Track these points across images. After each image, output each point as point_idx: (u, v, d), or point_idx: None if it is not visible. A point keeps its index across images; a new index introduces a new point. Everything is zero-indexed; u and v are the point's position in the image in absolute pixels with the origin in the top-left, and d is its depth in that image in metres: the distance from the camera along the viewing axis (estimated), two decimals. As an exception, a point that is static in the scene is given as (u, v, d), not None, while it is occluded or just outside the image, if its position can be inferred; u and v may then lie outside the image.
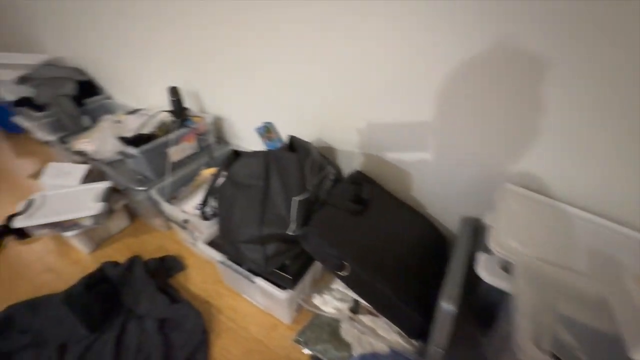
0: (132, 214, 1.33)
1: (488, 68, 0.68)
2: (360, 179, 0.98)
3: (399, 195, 0.99)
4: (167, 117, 1.25)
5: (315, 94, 1.00)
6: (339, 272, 0.71)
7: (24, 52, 1.94)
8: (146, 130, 1.18)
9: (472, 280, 0.67)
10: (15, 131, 1.97)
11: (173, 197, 1.14)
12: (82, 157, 1.28)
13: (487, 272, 0.61)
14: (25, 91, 1.71)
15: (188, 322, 0.94)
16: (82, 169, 1.21)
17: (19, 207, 1.09)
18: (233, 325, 0.97)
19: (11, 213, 1.30)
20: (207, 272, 1.12)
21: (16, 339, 0.88)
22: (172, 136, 1.14)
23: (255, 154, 0.86)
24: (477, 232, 0.81)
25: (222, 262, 0.89)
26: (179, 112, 1.26)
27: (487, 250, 0.65)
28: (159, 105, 1.49)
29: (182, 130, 1.19)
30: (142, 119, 1.31)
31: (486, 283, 0.62)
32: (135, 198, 1.23)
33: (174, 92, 1.26)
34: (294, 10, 0.86)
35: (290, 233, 0.78)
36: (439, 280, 0.66)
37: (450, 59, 0.71)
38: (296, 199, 0.75)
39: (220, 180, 1.04)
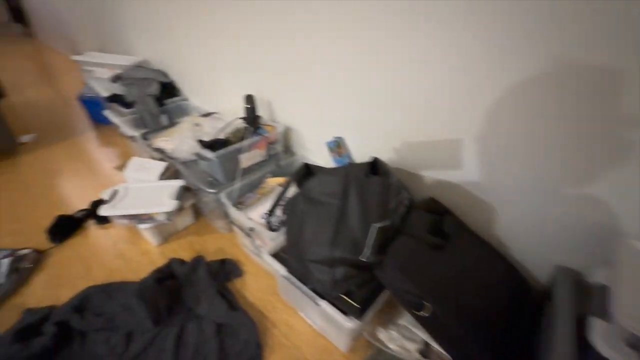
0: (197, 213, 1.39)
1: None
2: (436, 208, 0.92)
3: (478, 230, 0.91)
4: (241, 123, 1.29)
5: (390, 112, 0.96)
6: (416, 312, 0.66)
7: (120, 54, 2.17)
8: (222, 136, 1.22)
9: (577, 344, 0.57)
10: (103, 123, 2.19)
11: (239, 202, 1.17)
12: (161, 154, 1.36)
13: (606, 345, 0.52)
14: (117, 89, 1.89)
15: (243, 331, 0.93)
16: (160, 166, 1.28)
17: (105, 195, 1.19)
18: (286, 342, 0.95)
19: (95, 199, 1.44)
20: (264, 281, 1.12)
21: (92, 320, 0.94)
22: (245, 143, 1.17)
23: (334, 171, 0.84)
24: (578, 288, 0.70)
25: (285, 277, 0.87)
26: (253, 119, 1.29)
27: (603, 317, 0.55)
28: (232, 110, 1.56)
29: (255, 138, 1.21)
30: (219, 124, 1.37)
31: (601, 356, 0.53)
32: (203, 199, 1.28)
33: (250, 99, 1.30)
34: (378, 25, 0.84)
35: (364, 259, 0.74)
36: (525, 334, 0.57)
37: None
38: (376, 225, 0.71)
39: (290, 193, 1.04)
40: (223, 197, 1.12)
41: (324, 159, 1.27)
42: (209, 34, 1.54)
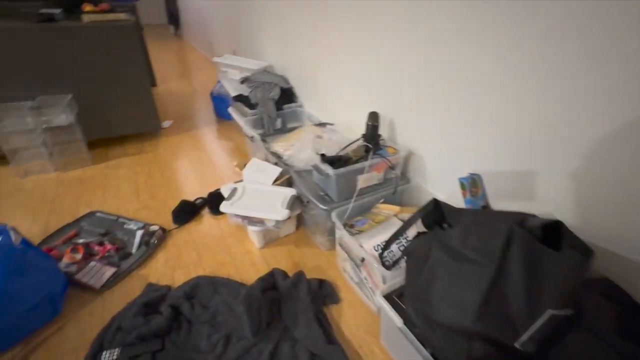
0: (299, 222, 1.38)
1: None
2: (617, 295, 0.69)
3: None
4: (362, 141, 1.22)
5: (552, 154, 0.76)
6: None
7: (251, 58, 2.38)
8: (344, 152, 1.18)
9: None
10: (226, 118, 2.42)
11: (349, 224, 1.10)
12: (277, 158, 1.40)
13: None
14: (244, 90, 2.06)
15: (338, 370, 0.85)
16: (276, 171, 1.31)
17: (224, 191, 1.26)
18: (382, 400, 0.83)
19: (212, 190, 1.56)
20: (363, 316, 1.02)
21: (199, 311, 0.99)
22: (367, 164, 1.10)
23: (483, 219, 0.69)
24: None
25: (401, 331, 0.76)
26: (374, 138, 1.22)
27: None
28: (347, 124, 1.53)
29: (376, 160, 1.13)
30: (335, 136, 1.34)
31: None
32: (310, 211, 1.26)
33: (373, 117, 1.23)
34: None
35: (518, 346, 0.58)
36: None
37: None
38: (552, 312, 0.55)
39: (412, 230, 0.92)
40: (334, 216, 1.07)
41: (447, 194, 1.12)
42: (335, 45, 1.54)
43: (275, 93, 1.94)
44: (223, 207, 1.15)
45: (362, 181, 1.13)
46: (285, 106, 1.96)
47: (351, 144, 1.22)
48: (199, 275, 1.13)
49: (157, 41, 5.37)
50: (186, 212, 1.42)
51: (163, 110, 2.56)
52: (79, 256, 1.16)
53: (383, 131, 1.30)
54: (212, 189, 1.59)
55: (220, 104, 2.41)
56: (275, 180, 1.29)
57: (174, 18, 5.69)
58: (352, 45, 1.41)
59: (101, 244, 1.23)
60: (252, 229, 1.21)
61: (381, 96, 1.32)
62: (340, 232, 1.04)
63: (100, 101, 1.83)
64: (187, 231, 1.36)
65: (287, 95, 2.02)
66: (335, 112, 1.71)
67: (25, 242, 0.94)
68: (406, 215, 1.07)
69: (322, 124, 1.68)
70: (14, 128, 1.57)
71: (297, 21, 1.87)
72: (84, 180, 1.67)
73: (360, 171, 1.11)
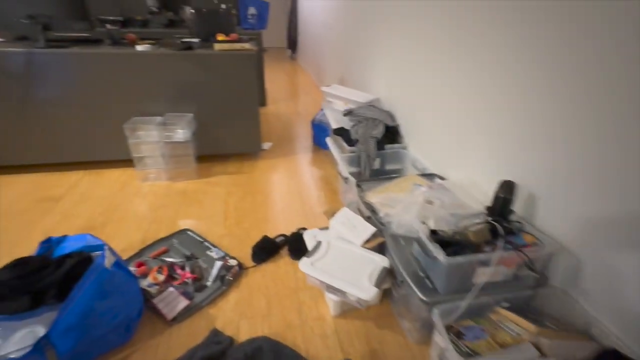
0: (385, 293, 1.15)
1: None
2: None
3: None
4: (486, 218, 0.94)
5: None
6: None
7: (357, 89, 2.29)
8: (461, 230, 0.92)
9: None
10: (323, 148, 2.37)
11: (455, 330, 0.82)
12: (370, 212, 1.21)
13: None
14: (346, 123, 1.96)
15: None
16: (368, 230, 1.12)
17: (307, 240, 1.13)
18: None
19: (296, 229, 1.46)
20: None
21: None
22: (494, 256, 0.82)
23: None
24: None
25: None
26: (504, 217, 0.92)
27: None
28: (464, 183, 1.24)
29: (506, 252, 0.84)
30: (447, 197, 1.08)
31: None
32: (402, 291, 1.02)
33: (508, 189, 0.93)
34: None
35: None
36: None
37: None
38: None
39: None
40: (437, 315, 0.81)
41: (622, 326, 0.74)
42: (455, 86, 1.29)
43: (379, 131, 1.77)
44: (303, 265, 1.01)
45: (484, 276, 0.84)
46: (388, 146, 1.77)
47: (472, 220, 0.94)
48: (264, 335, 1.00)
49: (274, 63, 5.90)
50: (265, 251, 1.34)
51: (266, 131, 2.67)
52: (162, 277, 1.18)
53: (517, 207, 0.99)
54: (296, 226, 1.50)
55: (319, 132, 2.37)
56: (366, 241, 1.10)
57: (292, 43, 6.19)
58: (478, 87, 1.15)
59: (183, 268, 1.23)
60: (329, 295, 1.04)
61: (518, 159, 1.01)
62: (444, 344, 0.77)
63: (213, 120, 1.96)
64: (263, 273, 1.27)
65: (391, 134, 1.84)
66: (447, 164, 1.44)
67: (118, 264, 0.96)
68: (547, 345, 0.74)
69: (429, 176, 1.43)
70: (144, 139, 1.77)
71: (410, 55, 1.69)
72: (186, 193, 1.78)
73: (483, 263, 0.83)
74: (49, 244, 1.03)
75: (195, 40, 1.85)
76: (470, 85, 1.21)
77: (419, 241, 0.95)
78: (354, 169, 1.74)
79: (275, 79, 4.58)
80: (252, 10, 3.06)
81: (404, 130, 1.86)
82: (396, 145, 1.80)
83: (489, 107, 1.13)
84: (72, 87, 1.70)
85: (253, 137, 2.10)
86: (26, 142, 1.80)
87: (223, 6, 3.00)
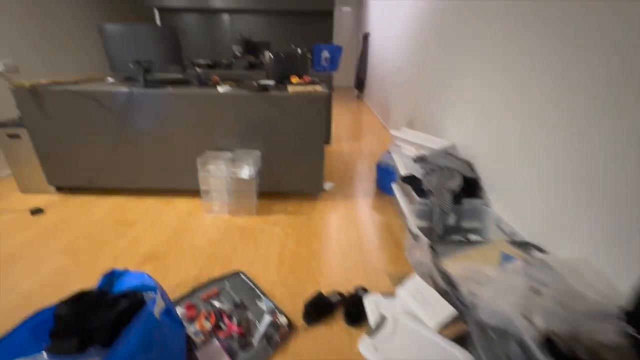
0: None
1: None
2: None
3: None
4: (621, 321, 0.68)
5: None
6: None
7: (428, 133, 2.14)
8: (582, 336, 0.67)
9: None
10: (387, 193, 2.22)
11: None
12: (448, 285, 1.00)
13: None
14: (417, 170, 1.80)
15: None
16: (444, 311, 0.91)
17: (370, 314, 0.96)
18: None
19: (354, 288, 1.29)
20: None
21: None
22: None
23: None
24: None
25: None
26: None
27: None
28: (566, 260, 0.97)
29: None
30: (566, 291, 0.83)
31: None
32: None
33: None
34: None
35: None
36: None
37: None
38: None
39: None
40: None
41: None
42: (552, 133, 1.06)
43: (456, 183, 1.57)
44: (364, 349, 0.84)
45: None
46: (465, 200, 1.55)
47: (600, 325, 0.69)
48: None
49: (340, 101, 6.06)
50: (319, 310, 1.19)
51: (328, 170, 2.62)
52: (208, 325, 1.10)
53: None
54: (354, 283, 1.34)
55: (384, 176, 2.23)
56: (443, 326, 0.89)
57: (359, 83, 6.33)
58: (589, 133, 0.91)
59: (231, 317, 1.15)
60: (393, 389, 0.84)
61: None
62: None
63: (279, 158, 1.97)
64: (314, 338, 1.12)
65: (469, 187, 1.61)
66: (544, 231, 1.17)
67: (167, 311, 0.91)
68: None
69: (522, 245, 1.17)
70: (213, 173, 1.83)
71: (495, 95, 1.50)
72: (245, 230, 1.76)
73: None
74: (111, 276, 1.04)
75: (271, 82, 1.92)
76: (576, 130, 0.98)
77: (520, 343, 0.72)
78: (423, 223, 1.54)
79: (340, 118, 4.65)
80: (325, 54, 3.18)
81: (486, 183, 1.62)
82: (476, 200, 1.56)
83: (606, 158, 0.88)
84: (159, 122, 1.86)
85: (316, 178, 2.05)
86: (116, 169, 2.00)
87: (299, 50, 3.19)
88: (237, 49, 3.13)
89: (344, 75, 7.40)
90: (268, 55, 2.12)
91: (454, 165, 1.67)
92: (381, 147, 3.30)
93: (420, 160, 1.81)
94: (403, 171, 1.83)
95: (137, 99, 1.81)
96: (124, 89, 1.79)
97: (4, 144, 1.98)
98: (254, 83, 1.86)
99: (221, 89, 1.79)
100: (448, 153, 1.80)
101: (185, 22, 3.30)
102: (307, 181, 2.06)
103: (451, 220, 1.54)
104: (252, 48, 3.35)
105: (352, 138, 3.65)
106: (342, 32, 7.54)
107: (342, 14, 7.47)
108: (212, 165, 1.84)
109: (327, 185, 2.33)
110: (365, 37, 5.90)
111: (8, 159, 2.02)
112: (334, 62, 3.23)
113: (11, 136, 1.95)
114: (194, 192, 1.97)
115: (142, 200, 2.06)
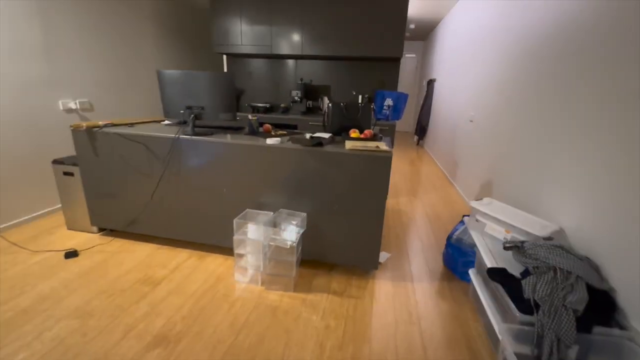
0: None
1: None
2: None
3: None
4: None
5: None
6: None
7: (526, 209, 1.65)
8: None
9: None
10: (459, 277, 1.75)
11: None
12: None
13: None
14: (508, 261, 1.33)
15: None
16: None
17: None
18: None
19: None
20: None
21: None
22: None
23: None
24: None
25: None
26: None
27: None
28: None
29: None
30: None
31: None
32: None
33: None
34: None
35: None
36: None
37: None
38: None
39: None
40: None
41: None
42: None
43: (579, 298, 1.07)
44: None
45: None
46: (597, 329, 1.04)
47: None
48: None
49: (398, 147, 5.70)
50: None
51: (384, 234, 2.22)
52: None
53: None
54: None
55: (457, 255, 1.77)
56: None
57: (421, 129, 5.95)
58: None
59: None
60: None
61: None
62: None
63: (327, 224, 1.65)
64: None
65: (598, 304, 1.10)
66: None
67: None
68: None
69: None
70: (250, 236, 1.57)
71: (634, 162, 1.02)
72: (277, 311, 1.42)
73: None
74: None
75: (326, 135, 1.67)
76: None
77: None
78: (525, 350, 1.06)
79: (399, 166, 4.26)
80: (388, 102, 2.91)
81: (627, 300, 1.10)
82: (614, 330, 1.04)
83: None
84: (200, 170, 1.70)
85: (370, 251, 1.67)
86: (155, 215, 1.87)
87: (361, 99, 2.98)
88: (296, 94, 3.04)
89: (402, 119, 7.11)
90: (327, 104, 1.90)
91: (572, 266, 1.18)
92: (447, 208, 2.82)
93: (515, 249, 1.34)
94: (489, 261, 1.37)
95: (183, 145, 1.68)
96: (169, 134, 1.68)
97: (60, 180, 1.98)
98: (308, 136, 1.62)
99: (270, 140, 1.58)
100: (559, 247, 1.30)
101: (252, 66, 3.34)
102: (359, 254, 1.69)
103: (572, 354, 1.03)
104: (311, 92, 3.24)
105: (412, 193, 3.22)
106: (403, 78, 7.38)
107: (405, 59, 7.36)
108: (251, 224, 1.58)
109: (383, 256, 1.93)
110: (430, 83, 5.61)
111: (60, 195, 2.02)
112: (397, 111, 2.95)
113: (66, 173, 1.96)
114: (230, 249, 1.73)
115: (176, 251, 1.88)
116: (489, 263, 1.36)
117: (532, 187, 1.77)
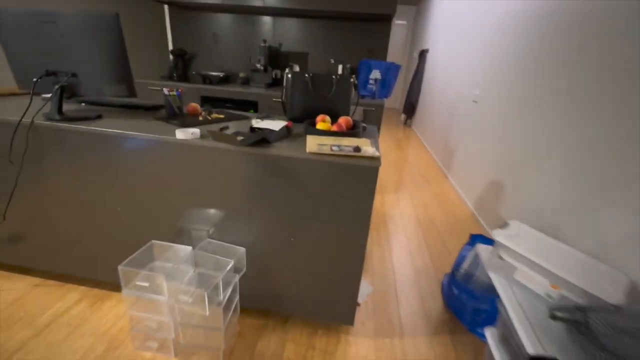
0: None
1: None
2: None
3: None
4: None
5: None
6: None
7: (561, 240, 1.14)
8: None
9: None
10: (466, 325, 1.26)
11: None
12: None
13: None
14: (559, 336, 0.83)
15: None
16: None
17: None
18: None
19: None
20: None
21: None
22: None
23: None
24: None
25: None
26: None
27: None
28: None
29: None
30: None
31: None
32: None
33: None
34: None
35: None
36: None
37: None
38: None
39: None
40: None
41: None
42: None
43: None
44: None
45: None
46: None
47: None
48: None
49: (384, 128, 5.10)
50: None
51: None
52: None
53: None
54: None
55: (465, 297, 1.26)
56: None
57: (409, 108, 5.35)
58: None
59: None
60: None
61: None
62: None
63: (278, 260, 1.08)
64: None
65: None
66: None
67: None
68: None
69: None
70: (150, 290, 0.99)
71: None
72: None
73: None
74: None
75: (277, 125, 1.05)
76: None
77: None
78: None
79: (383, 152, 3.69)
80: (376, 74, 2.28)
81: None
82: None
83: None
84: (79, 178, 1.07)
85: (342, 303, 1.13)
86: (18, 241, 1.23)
87: (340, 70, 2.32)
88: (257, 60, 2.34)
89: (392, 95, 6.48)
90: (286, 75, 1.27)
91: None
92: (443, 209, 2.31)
93: (574, 325, 0.82)
94: (529, 339, 0.85)
95: (44, 136, 1.03)
96: (26, 119, 1.02)
97: None
98: (249, 128, 1.01)
99: (181, 133, 0.95)
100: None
101: (204, 22, 2.58)
102: (326, 306, 1.15)
103: None
104: (281, 59, 2.54)
105: (399, 188, 2.68)
106: (392, 47, 6.64)
107: (394, 26, 6.59)
108: (147, 274, 0.99)
109: (362, 292, 1.41)
110: (422, 55, 4.94)
111: None
112: (386, 86, 2.33)
113: None
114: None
115: (64, 290, 1.28)
116: (530, 344, 0.84)
117: (577, 202, 1.25)
